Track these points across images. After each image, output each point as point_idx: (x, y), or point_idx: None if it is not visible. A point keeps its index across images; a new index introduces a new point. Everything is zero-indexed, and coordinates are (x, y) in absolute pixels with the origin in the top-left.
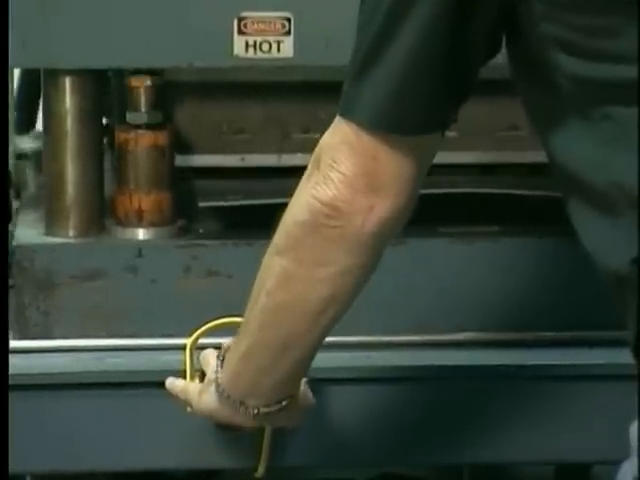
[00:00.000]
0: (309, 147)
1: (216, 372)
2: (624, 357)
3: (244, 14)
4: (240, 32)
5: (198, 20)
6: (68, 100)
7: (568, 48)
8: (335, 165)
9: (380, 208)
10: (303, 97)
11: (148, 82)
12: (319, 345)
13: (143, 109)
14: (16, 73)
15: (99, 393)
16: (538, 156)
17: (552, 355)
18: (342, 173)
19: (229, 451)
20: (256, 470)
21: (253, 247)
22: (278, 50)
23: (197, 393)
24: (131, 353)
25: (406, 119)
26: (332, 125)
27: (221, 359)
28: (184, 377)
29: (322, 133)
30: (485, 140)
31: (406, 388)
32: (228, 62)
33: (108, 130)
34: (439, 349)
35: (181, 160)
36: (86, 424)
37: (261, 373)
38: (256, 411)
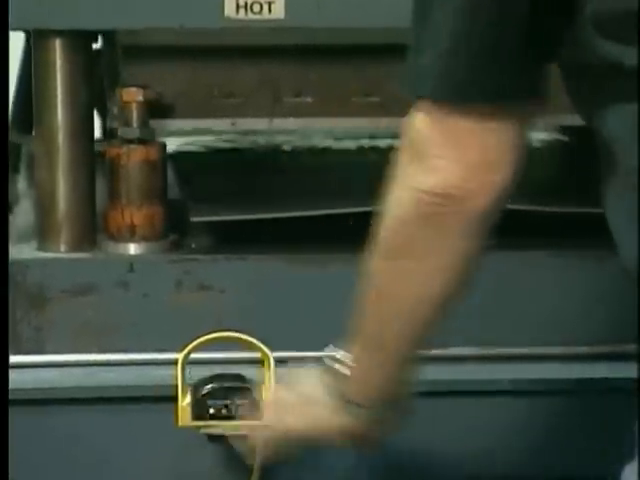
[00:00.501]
0: (301, 111)
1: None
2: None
3: None
4: None
5: None
6: (60, 114)
7: (604, 31)
8: (435, 151)
9: (488, 186)
10: (295, 60)
11: (140, 97)
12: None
13: (135, 124)
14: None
15: (91, 408)
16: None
17: (554, 370)
18: (443, 158)
19: (223, 466)
20: None
21: (245, 262)
22: (269, 11)
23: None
24: (123, 368)
25: (496, 86)
26: (416, 108)
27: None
28: (176, 392)
29: (314, 97)
30: None
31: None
32: (219, 23)
33: (99, 101)
34: (435, 364)
35: (171, 125)
36: (78, 439)
37: (392, 379)
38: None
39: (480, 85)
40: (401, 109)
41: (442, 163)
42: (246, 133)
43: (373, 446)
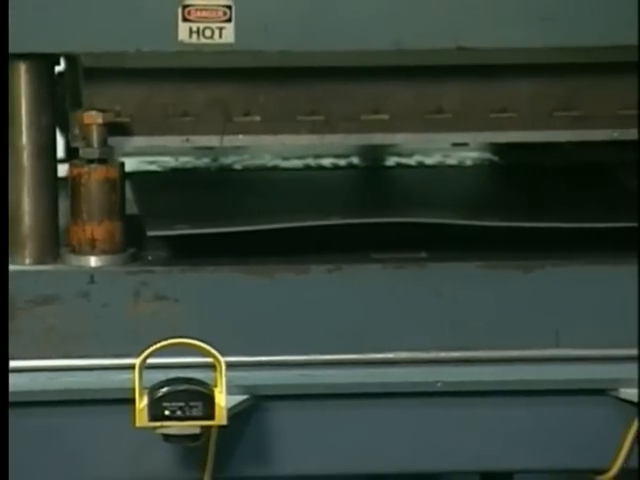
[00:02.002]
0: (250, 129)
1: None
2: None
3: (188, 2)
4: (184, 19)
5: (145, 7)
6: (25, 136)
7: None
8: None
9: None
10: (244, 81)
11: (100, 120)
12: None
13: (95, 145)
14: None
15: (55, 410)
16: (460, 137)
17: (482, 372)
18: None
19: (178, 464)
20: None
21: (198, 273)
22: (220, 36)
23: None
24: (84, 372)
25: None
26: None
27: None
28: (133, 395)
29: (262, 115)
30: (413, 122)
31: (342, 404)
32: (173, 47)
33: (61, 120)
34: (373, 367)
35: (128, 142)
36: (42, 439)
37: None
38: None
39: None
40: (344, 126)
41: None
42: (199, 152)
43: None
